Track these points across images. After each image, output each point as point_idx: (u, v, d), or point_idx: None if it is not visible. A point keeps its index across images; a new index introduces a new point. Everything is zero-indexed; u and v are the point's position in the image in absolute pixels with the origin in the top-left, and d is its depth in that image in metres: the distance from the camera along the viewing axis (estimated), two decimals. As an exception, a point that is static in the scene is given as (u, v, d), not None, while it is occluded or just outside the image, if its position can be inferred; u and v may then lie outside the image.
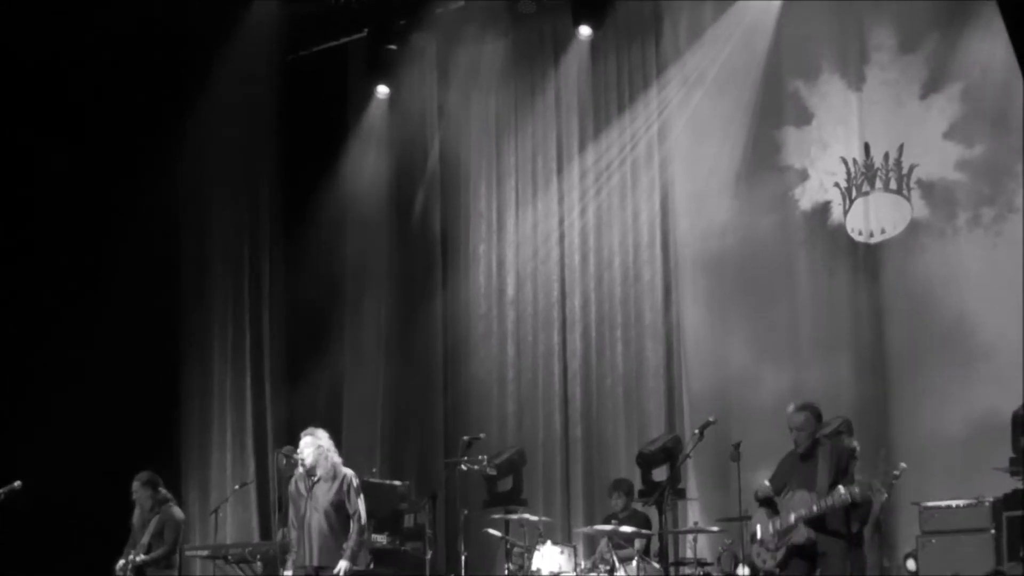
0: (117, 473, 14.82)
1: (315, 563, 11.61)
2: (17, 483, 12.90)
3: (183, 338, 17.06)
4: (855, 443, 11.65)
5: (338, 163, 17.29)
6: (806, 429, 10.66)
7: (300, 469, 11.77)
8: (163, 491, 13.38)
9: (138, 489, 13.31)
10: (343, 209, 17.23)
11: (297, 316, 17.26)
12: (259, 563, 14.74)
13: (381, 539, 14.68)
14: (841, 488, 10.19)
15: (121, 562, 13.09)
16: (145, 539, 13.13)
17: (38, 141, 15.44)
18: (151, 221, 15.65)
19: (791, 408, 10.76)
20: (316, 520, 11.65)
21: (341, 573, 11.49)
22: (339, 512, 11.64)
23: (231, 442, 16.95)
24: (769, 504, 10.78)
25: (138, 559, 13.02)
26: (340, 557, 11.53)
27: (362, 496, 11.80)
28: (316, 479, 11.74)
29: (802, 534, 10.41)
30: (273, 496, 13.20)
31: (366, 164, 17.39)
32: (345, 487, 11.73)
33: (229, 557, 14.95)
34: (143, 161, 15.83)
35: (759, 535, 10.73)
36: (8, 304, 15.14)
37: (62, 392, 15.00)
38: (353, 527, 11.63)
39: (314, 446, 11.75)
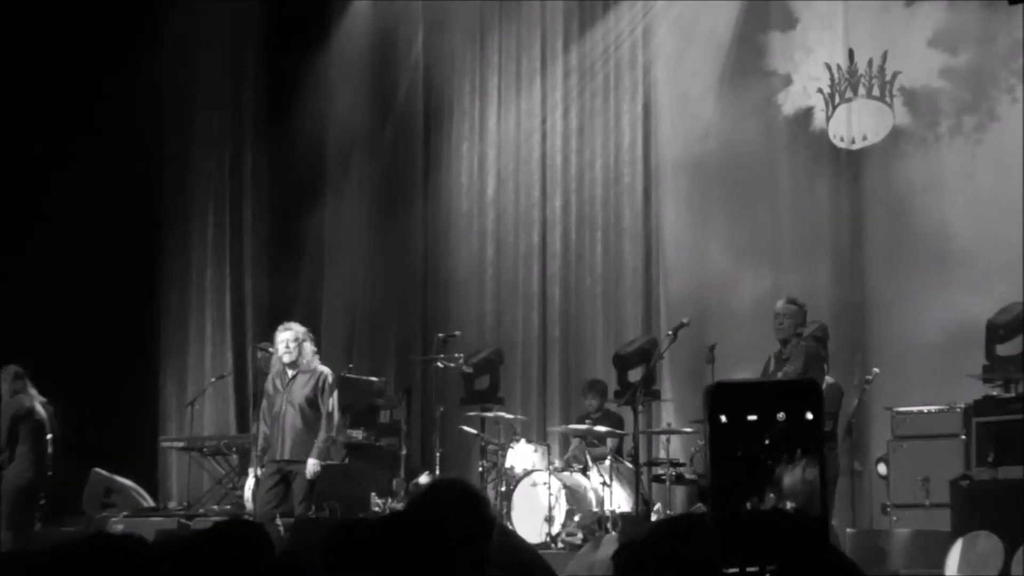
0: (95, 362, 14.88)
1: (286, 456, 11.66)
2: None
3: (163, 229, 17.02)
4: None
5: (322, 57, 17.17)
6: (793, 318, 10.86)
7: (282, 361, 11.79)
8: (21, 383, 12.94)
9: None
10: (326, 103, 17.12)
11: (278, 209, 17.22)
12: (235, 455, 14.86)
13: (356, 434, 14.78)
14: None
15: None
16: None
17: (20, 33, 15.29)
18: (134, 110, 15.54)
19: (781, 300, 11.02)
20: (290, 415, 11.68)
21: (310, 471, 11.55)
22: (313, 408, 11.67)
23: (210, 334, 16.97)
24: None
25: None
26: (309, 453, 11.59)
27: (336, 395, 11.85)
28: (293, 374, 11.76)
29: None
30: (251, 389, 13.21)
31: (350, 60, 17.27)
32: (320, 383, 11.75)
33: (205, 449, 15.07)
34: (126, 51, 15.72)
35: None
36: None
37: (40, 280, 14.97)
38: (323, 425, 11.68)
39: (292, 340, 11.76)
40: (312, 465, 11.54)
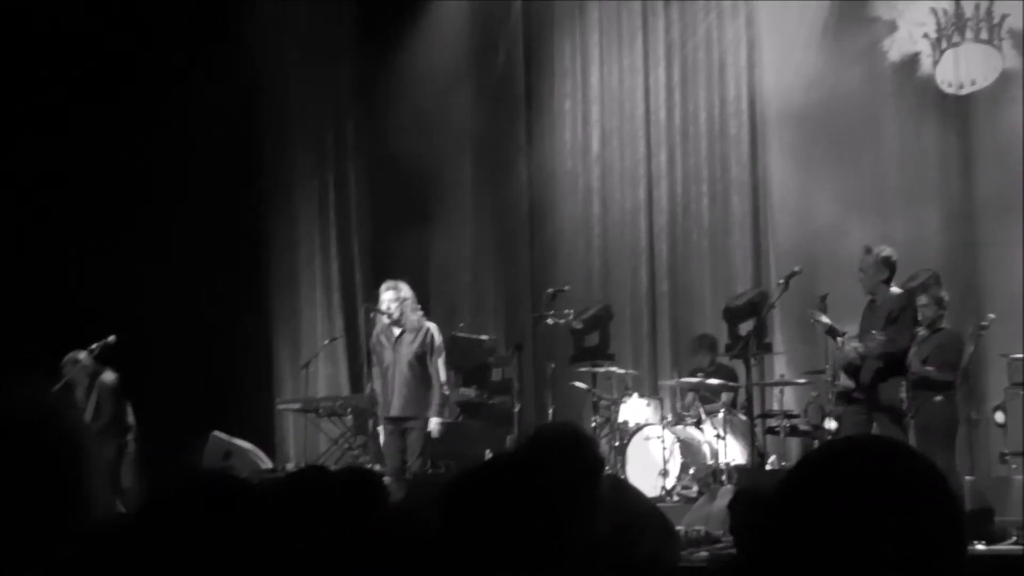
0: (211, 329, 15.06)
1: (397, 413, 11.80)
2: (111, 337, 13.20)
3: (267, 194, 17.12)
4: (943, 293, 11.64)
5: (421, 20, 17.18)
6: (867, 271, 10.82)
7: (385, 321, 11.93)
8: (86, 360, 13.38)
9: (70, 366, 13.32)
10: (426, 65, 17.13)
11: (382, 171, 17.26)
12: (350, 416, 15.04)
13: (469, 392, 14.89)
14: (850, 344, 10.45)
15: None
16: (89, 414, 13.23)
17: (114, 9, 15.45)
18: (232, 77, 15.61)
19: (863, 251, 11.00)
20: (400, 371, 11.82)
21: (434, 431, 11.72)
22: (422, 364, 11.81)
23: (319, 297, 17.12)
24: (831, 333, 11.10)
25: None
26: (422, 409, 11.74)
27: (443, 355, 12.00)
28: (401, 331, 11.89)
29: (842, 383, 10.68)
30: (363, 350, 13.34)
31: (448, 21, 17.27)
32: (428, 341, 11.89)
33: (320, 410, 15.24)
34: (222, 18, 15.83)
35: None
36: (94, 161, 15.22)
37: (152, 251, 15.14)
38: (435, 384, 11.82)
39: (397, 298, 11.88)
40: (435, 424, 11.74)
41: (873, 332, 10.59)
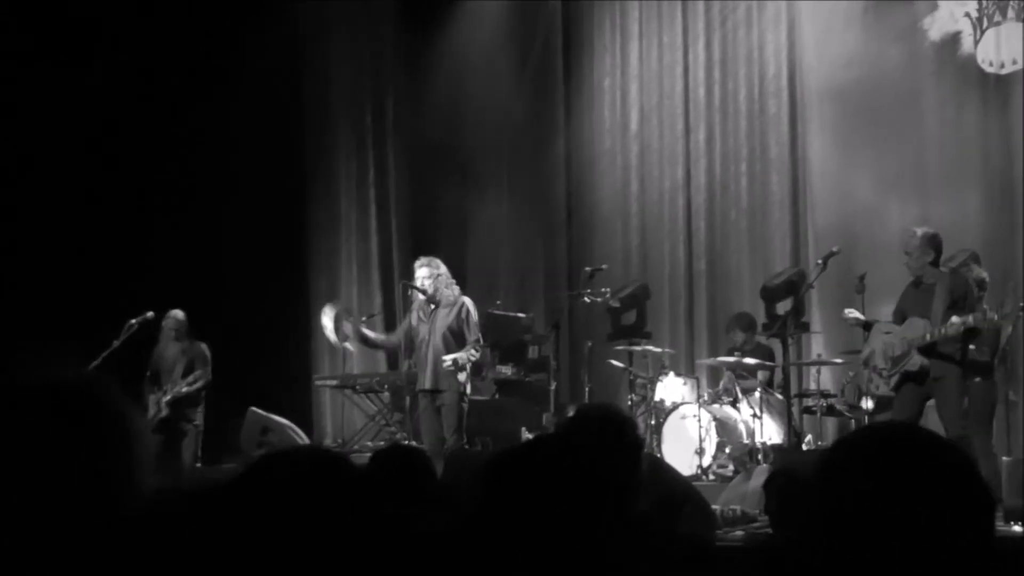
0: (249, 305, 15.12)
1: (430, 386, 11.87)
2: (150, 313, 13.28)
3: (307, 173, 17.18)
4: (984, 274, 11.57)
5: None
6: (913, 253, 10.69)
7: (421, 297, 12.00)
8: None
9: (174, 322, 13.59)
10: (465, 44, 17.15)
11: (421, 149, 17.30)
12: (387, 392, 15.08)
13: (506, 370, 14.92)
14: (955, 317, 10.22)
15: (152, 398, 13.38)
16: (178, 374, 13.44)
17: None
18: (272, 57, 15.64)
19: (907, 233, 10.86)
20: (433, 345, 11.91)
21: (447, 360, 11.74)
22: (456, 338, 11.91)
23: (357, 275, 17.17)
24: (866, 327, 10.97)
25: (174, 393, 13.34)
26: (454, 382, 11.79)
27: (476, 320, 12.10)
28: (436, 306, 11.97)
29: (916, 361, 10.49)
30: (400, 327, 13.38)
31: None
32: (464, 314, 11.96)
33: (357, 387, 15.29)
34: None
35: (873, 360, 10.84)
36: (128, 142, 15.27)
37: (193, 226, 15.21)
38: (469, 343, 11.92)
39: (432, 274, 11.97)
40: (452, 358, 11.74)
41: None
